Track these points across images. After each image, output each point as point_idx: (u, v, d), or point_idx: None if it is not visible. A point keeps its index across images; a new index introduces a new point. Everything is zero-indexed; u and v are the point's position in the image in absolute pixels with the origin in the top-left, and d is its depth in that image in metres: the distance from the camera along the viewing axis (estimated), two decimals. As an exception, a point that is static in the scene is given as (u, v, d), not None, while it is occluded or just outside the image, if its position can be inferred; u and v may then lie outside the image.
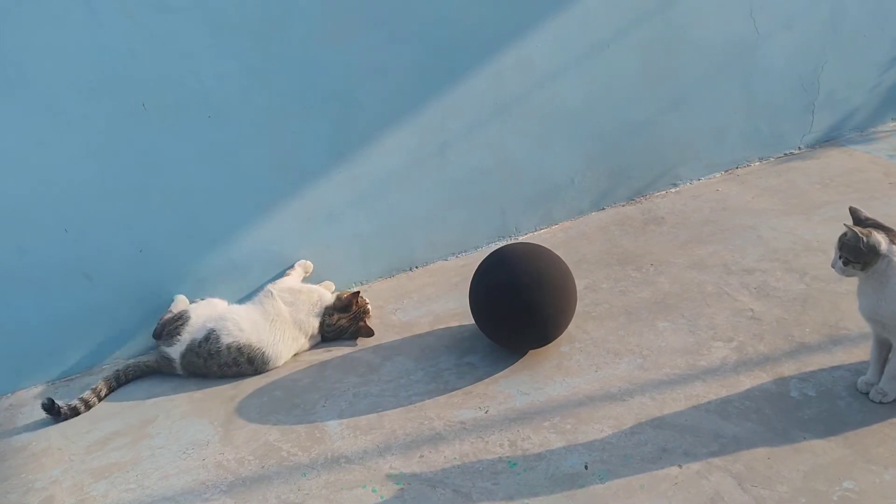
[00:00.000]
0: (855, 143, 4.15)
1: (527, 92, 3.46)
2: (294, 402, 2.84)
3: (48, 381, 3.11)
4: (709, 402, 2.56)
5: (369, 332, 3.10)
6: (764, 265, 3.23)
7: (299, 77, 3.07)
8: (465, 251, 3.62)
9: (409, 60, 3.22)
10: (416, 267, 3.56)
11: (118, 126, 2.88)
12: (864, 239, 2.25)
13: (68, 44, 2.74)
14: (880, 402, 2.43)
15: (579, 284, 3.26)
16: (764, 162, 4.08)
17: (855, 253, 2.28)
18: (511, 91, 3.43)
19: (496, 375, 2.83)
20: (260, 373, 2.99)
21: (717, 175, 4.01)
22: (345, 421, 2.71)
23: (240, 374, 2.98)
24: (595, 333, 2.98)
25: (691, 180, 3.96)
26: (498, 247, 3.03)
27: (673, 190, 3.93)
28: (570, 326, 2.98)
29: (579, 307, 3.10)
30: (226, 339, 2.95)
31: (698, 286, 3.16)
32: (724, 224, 3.59)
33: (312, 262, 3.32)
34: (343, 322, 3.08)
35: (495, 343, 2.93)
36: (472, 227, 3.60)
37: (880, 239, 2.26)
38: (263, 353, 2.97)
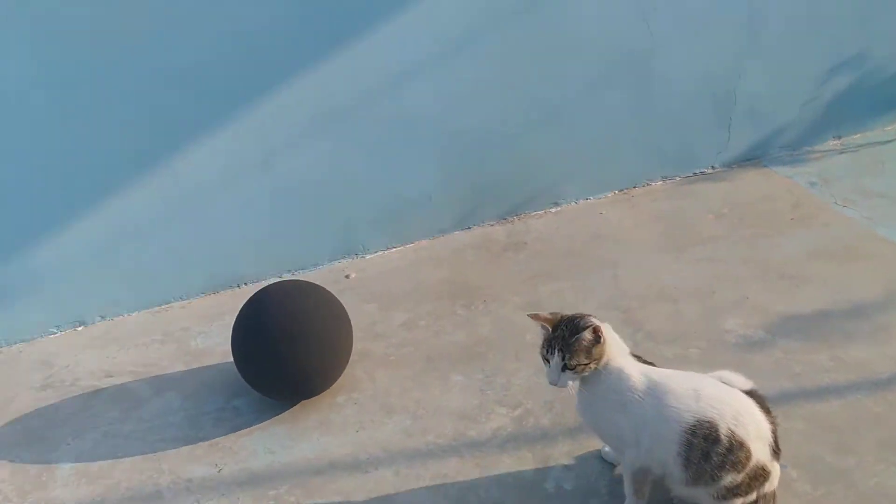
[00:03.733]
0: (781, 163, 3.63)
1: (362, 98, 3.10)
2: (43, 434, 2.63)
3: None
4: (453, 485, 2.23)
5: None
6: (602, 313, 2.80)
7: (87, 77, 2.80)
8: (303, 268, 3.33)
9: (216, 62, 2.91)
10: (246, 283, 3.28)
11: None
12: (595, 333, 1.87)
13: None
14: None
15: (398, 318, 2.96)
16: (668, 181, 3.62)
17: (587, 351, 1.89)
18: (342, 98, 3.08)
19: (254, 426, 2.55)
20: None
21: (609, 195, 3.57)
22: (78, 465, 2.48)
23: None
24: (381, 383, 2.66)
25: (576, 199, 3.54)
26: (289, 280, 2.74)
27: (553, 210, 3.53)
28: (361, 371, 2.69)
29: (382, 347, 2.81)
30: None
31: (518, 333, 2.79)
32: (586, 256, 3.18)
33: (124, 279, 3.11)
34: None
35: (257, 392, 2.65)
36: (309, 243, 3.30)
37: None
38: None
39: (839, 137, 3.73)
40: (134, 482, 2.40)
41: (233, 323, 2.58)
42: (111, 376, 2.88)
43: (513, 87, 3.26)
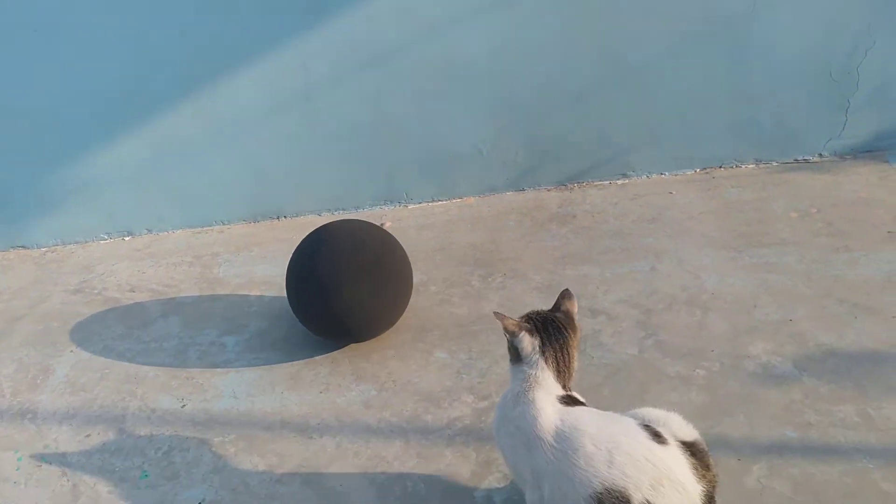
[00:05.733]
0: (909, 161, 3.06)
1: (409, 41, 2.91)
2: (56, 338, 2.78)
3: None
4: (385, 471, 2.11)
5: None
6: (617, 310, 2.54)
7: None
8: (344, 209, 3.25)
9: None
10: (285, 216, 3.26)
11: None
12: (510, 334, 1.68)
13: None
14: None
15: (412, 279, 2.82)
16: (761, 166, 3.16)
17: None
18: (388, 38, 2.91)
19: (232, 367, 2.55)
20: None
21: (688, 173, 3.18)
22: (71, 374, 2.60)
23: None
24: (365, 346, 2.56)
25: (649, 173, 3.18)
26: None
27: (619, 182, 3.19)
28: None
29: (382, 308, 2.69)
30: None
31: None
32: (633, 241, 2.86)
33: (169, 197, 3.18)
34: None
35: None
36: (351, 185, 3.20)
37: (527, 343, 1.67)
38: None
39: None
40: (108, 401, 2.48)
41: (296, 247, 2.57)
42: (133, 291, 2.98)
43: (581, 42, 2.93)
